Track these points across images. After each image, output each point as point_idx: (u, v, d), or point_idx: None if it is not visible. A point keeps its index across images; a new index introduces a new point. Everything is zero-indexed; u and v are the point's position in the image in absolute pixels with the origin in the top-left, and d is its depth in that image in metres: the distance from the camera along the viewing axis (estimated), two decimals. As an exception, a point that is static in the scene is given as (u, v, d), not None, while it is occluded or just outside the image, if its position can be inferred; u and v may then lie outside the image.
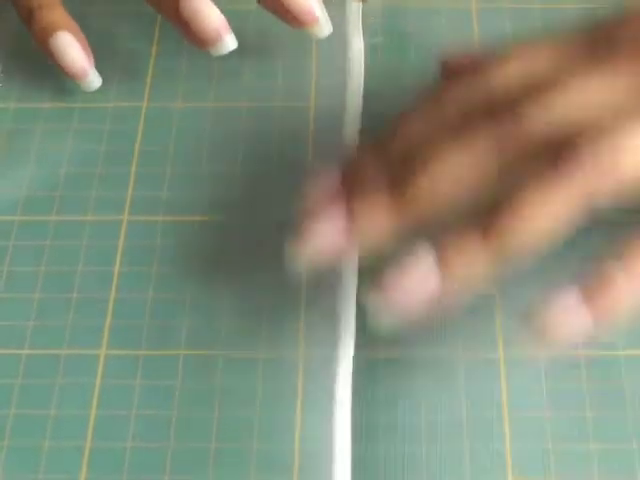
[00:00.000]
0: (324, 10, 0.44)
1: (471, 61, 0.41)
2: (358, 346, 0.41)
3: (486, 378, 0.40)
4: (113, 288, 0.43)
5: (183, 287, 0.42)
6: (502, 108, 0.37)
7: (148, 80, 0.49)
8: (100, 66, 0.49)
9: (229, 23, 0.44)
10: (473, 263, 0.36)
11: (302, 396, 0.40)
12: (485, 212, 0.36)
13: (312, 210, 0.38)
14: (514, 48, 0.40)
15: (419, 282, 0.36)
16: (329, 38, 0.49)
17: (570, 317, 0.35)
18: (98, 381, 0.40)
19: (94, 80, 0.48)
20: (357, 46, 0.50)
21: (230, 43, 0.44)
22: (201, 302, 0.42)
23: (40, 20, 0.47)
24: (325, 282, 0.42)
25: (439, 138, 0.38)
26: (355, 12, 0.51)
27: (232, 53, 0.49)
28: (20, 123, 0.48)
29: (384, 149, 0.39)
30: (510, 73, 0.39)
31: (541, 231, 0.36)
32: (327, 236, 0.37)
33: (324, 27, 0.45)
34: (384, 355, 0.41)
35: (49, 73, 0.49)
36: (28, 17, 0.48)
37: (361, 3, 0.51)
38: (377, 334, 0.41)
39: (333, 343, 0.41)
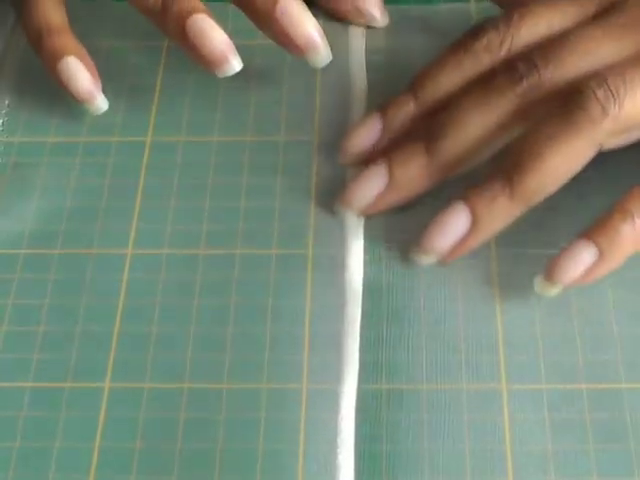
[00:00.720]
0: (324, 38, 0.45)
1: None
2: (361, 377, 0.41)
3: (489, 410, 0.40)
4: (117, 321, 0.43)
5: (187, 320, 0.43)
6: (520, 65, 0.43)
7: (152, 114, 0.50)
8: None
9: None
10: (500, 212, 0.42)
11: (305, 427, 0.40)
12: (505, 161, 0.42)
13: (356, 160, 0.46)
14: (535, 3, 0.45)
15: (456, 232, 0.42)
16: (333, 73, 0.50)
17: (576, 254, 0.40)
18: (102, 414, 0.40)
19: (101, 104, 0.48)
20: (360, 83, 0.50)
21: (236, 65, 0.45)
22: (205, 335, 0.42)
23: (49, 45, 0.48)
24: (329, 313, 0.43)
25: (465, 95, 0.44)
26: (359, 49, 0.52)
27: (236, 87, 0.50)
28: (25, 157, 0.48)
29: (419, 98, 0.45)
30: (529, 29, 0.44)
31: (557, 172, 0.41)
32: (373, 187, 0.44)
33: (324, 55, 0.45)
34: (387, 386, 0.41)
35: (55, 107, 0.50)
36: (37, 42, 0.48)
37: (365, 36, 0.52)
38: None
39: (336, 374, 0.41)
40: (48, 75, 0.48)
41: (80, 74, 0.47)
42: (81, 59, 0.47)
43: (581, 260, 0.40)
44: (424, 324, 0.42)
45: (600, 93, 0.41)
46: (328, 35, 0.45)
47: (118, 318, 0.43)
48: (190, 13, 0.44)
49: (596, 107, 0.40)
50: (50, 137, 0.49)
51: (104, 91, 0.48)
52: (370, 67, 0.51)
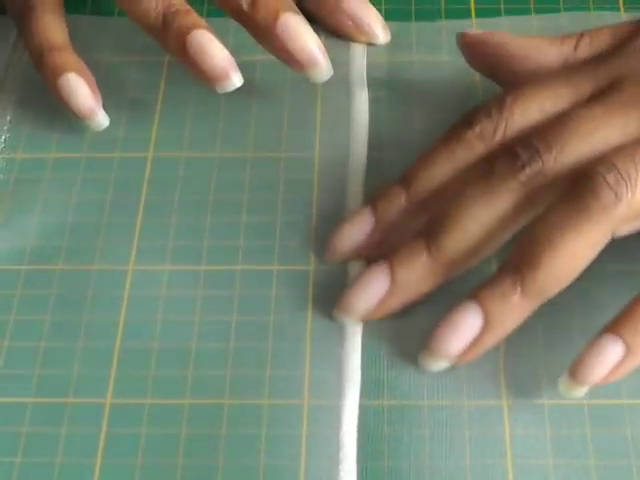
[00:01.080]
0: (325, 54, 0.45)
1: (490, 41, 0.46)
2: (362, 393, 0.41)
3: (490, 425, 0.40)
4: (118, 337, 0.43)
5: (188, 336, 0.43)
6: (520, 151, 0.41)
7: (154, 130, 0.50)
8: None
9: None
10: (513, 310, 0.39)
11: (306, 443, 0.40)
12: (515, 253, 0.39)
13: (348, 257, 0.44)
14: (528, 85, 0.43)
15: (468, 333, 0.40)
16: (334, 91, 0.50)
17: (601, 351, 0.37)
18: (103, 430, 0.40)
19: (102, 120, 0.48)
20: (361, 99, 0.50)
21: (236, 80, 0.45)
22: (206, 351, 0.42)
23: (50, 62, 0.48)
24: (330, 328, 0.43)
25: (464, 186, 0.41)
26: (360, 66, 0.52)
27: (237, 103, 0.50)
28: (27, 173, 0.48)
29: (412, 190, 0.43)
30: (522, 114, 0.42)
31: (570, 264, 0.38)
32: (374, 292, 0.41)
33: (324, 71, 0.45)
34: (388, 402, 0.41)
35: (56, 123, 0.50)
36: (39, 59, 0.48)
37: (366, 53, 0.52)
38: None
39: (338, 390, 0.41)
40: (49, 91, 0.48)
41: (80, 91, 0.47)
42: (82, 75, 0.47)
43: (607, 357, 0.37)
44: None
45: (611, 178, 0.38)
46: (329, 50, 0.45)
47: (119, 334, 0.43)
48: (190, 29, 0.44)
49: (608, 193, 0.38)
50: (52, 153, 0.49)
51: (105, 106, 0.48)
52: (371, 83, 0.51)
